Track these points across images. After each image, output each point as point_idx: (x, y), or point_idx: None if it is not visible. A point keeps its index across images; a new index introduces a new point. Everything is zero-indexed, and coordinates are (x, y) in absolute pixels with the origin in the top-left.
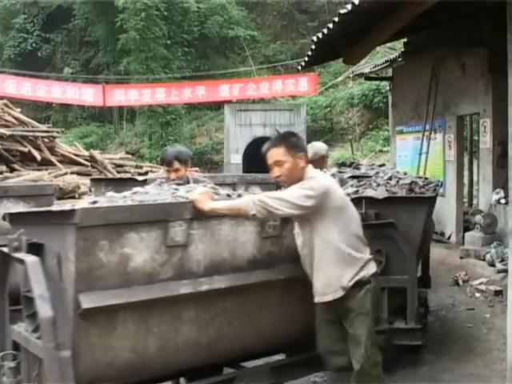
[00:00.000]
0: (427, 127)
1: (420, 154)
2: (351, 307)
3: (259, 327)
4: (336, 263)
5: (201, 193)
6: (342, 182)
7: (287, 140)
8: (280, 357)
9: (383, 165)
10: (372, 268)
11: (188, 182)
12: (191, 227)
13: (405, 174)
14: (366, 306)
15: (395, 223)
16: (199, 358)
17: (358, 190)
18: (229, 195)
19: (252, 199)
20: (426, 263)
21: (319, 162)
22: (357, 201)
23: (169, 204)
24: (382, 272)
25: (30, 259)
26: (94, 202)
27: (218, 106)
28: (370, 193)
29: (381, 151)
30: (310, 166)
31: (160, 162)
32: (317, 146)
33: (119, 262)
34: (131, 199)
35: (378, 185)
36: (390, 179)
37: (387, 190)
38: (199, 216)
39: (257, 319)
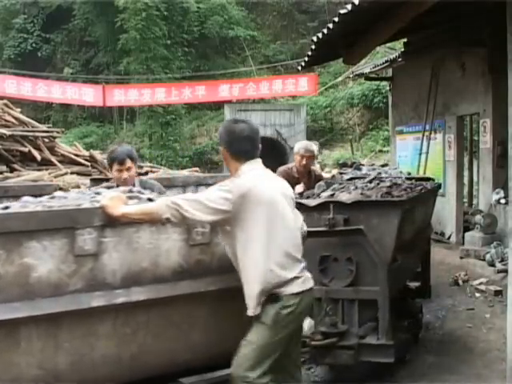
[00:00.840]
0: (427, 127)
1: (420, 154)
2: (256, 315)
3: (191, 342)
4: (254, 278)
5: (111, 197)
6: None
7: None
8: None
9: (386, 165)
10: (296, 287)
11: (134, 185)
12: (103, 235)
13: (409, 174)
14: (269, 318)
15: (364, 230)
16: (122, 373)
17: (333, 194)
18: (150, 199)
19: (166, 202)
20: (425, 271)
21: (302, 160)
22: (323, 206)
23: (75, 210)
24: (352, 282)
25: None
26: (6, 208)
27: (218, 106)
28: (340, 197)
29: (381, 151)
30: (247, 164)
31: (159, 162)
32: (298, 144)
33: (19, 273)
34: (44, 204)
35: (356, 188)
36: (371, 181)
37: (362, 194)
38: (112, 223)
39: (187, 333)
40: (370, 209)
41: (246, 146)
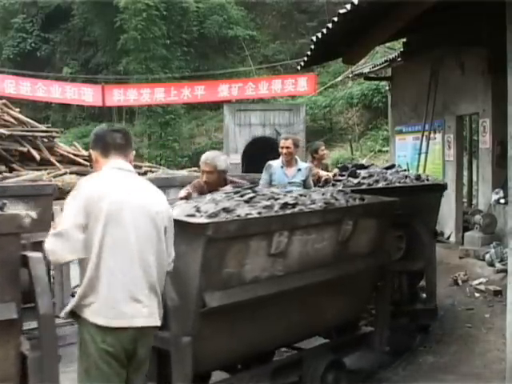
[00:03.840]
0: (427, 127)
1: (419, 154)
2: None
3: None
4: None
5: None
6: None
7: None
8: None
9: (393, 166)
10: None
11: None
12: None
13: (419, 177)
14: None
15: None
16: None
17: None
18: None
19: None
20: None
21: (203, 175)
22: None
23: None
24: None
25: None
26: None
27: (217, 106)
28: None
29: (380, 151)
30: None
31: (158, 162)
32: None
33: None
34: None
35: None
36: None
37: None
38: None
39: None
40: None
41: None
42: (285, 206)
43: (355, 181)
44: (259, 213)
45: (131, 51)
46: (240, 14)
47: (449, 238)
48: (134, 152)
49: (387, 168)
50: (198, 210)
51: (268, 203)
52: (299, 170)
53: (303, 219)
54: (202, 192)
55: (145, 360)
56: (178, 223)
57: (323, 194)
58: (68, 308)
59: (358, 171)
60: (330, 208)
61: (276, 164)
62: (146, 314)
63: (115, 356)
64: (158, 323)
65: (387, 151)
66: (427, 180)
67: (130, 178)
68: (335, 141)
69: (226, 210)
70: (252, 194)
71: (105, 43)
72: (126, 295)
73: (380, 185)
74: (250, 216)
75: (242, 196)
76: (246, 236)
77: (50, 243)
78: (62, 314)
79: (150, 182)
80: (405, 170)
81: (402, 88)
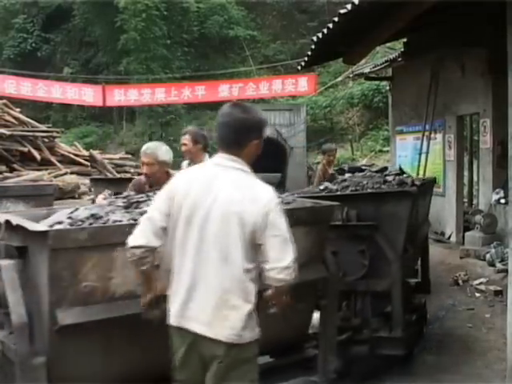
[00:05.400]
0: (427, 127)
1: (420, 154)
2: None
3: None
4: None
5: None
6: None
7: None
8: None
9: (385, 168)
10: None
11: None
12: None
13: (402, 182)
14: None
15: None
16: None
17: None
18: None
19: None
20: (424, 267)
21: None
22: None
23: None
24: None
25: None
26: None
27: (217, 106)
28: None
29: (381, 151)
30: None
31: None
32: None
33: None
34: None
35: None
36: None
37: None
38: None
39: None
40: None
41: None
42: None
43: (334, 187)
44: (134, 220)
45: (132, 51)
46: (240, 14)
47: (449, 237)
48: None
49: (378, 171)
50: (69, 217)
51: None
52: None
53: None
54: (140, 191)
55: (217, 376)
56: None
57: None
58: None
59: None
60: None
61: (184, 164)
62: (204, 322)
63: (183, 357)
64: (221, 337)
65: (388, 151)
66: (419, 185)
67: (225, 174)
68: (336, 141)
69: (94, 216)
70: (137, 199)
71: (105, 43)
72: (187, 297)
73: (348, 191)
74: (109, 224)
75: (129, 201)
76: (106, 246)
77: (136, 229)
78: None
79: (254, 179)
80: (401, 173)
81: (402, 88)
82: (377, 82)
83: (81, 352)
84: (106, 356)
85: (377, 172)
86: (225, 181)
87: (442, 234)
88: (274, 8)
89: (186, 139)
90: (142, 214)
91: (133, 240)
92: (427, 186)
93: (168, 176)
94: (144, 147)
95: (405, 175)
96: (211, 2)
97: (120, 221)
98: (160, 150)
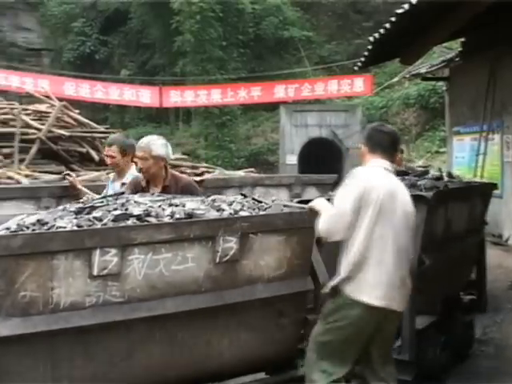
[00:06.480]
0: (485, 127)
1: (477, 155)
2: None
3: None
4: None
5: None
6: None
7: None
8: None
9: (426, 172)
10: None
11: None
12: None
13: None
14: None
15: None
16: None
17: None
18: None
19: None
20: (480, 280)
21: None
22: None
23: None
24: None
25: None
26: None
27: (273, 107)
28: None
29: (437, 152)
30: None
31: (215, 163)
32: None
33: None
34: None
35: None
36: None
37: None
38: None
39: None
40: None
41: None
42: (123, 217)
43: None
44: (79, 226)
45: (187, 53)
46: (296, 14)
47: (507, 240)
48: (400, 154)
49: (417, 175)
50: (18, 224)
51: (98, 214)
52: (123, 184)
53: (142, 234)
54: (136, 188)
55: (389, 339)
56: None
57: (204, 203)
58: (333, 283)
59: None
60: (187, 221)
61: (110, 179)
62: (398, 300)
63: (366, 330)
64: (403, 309)
65: (444, 152)
66: (453, 189)
67: (392, 177)
68: None
69: (40, 222)
70: (93, 204)
71: (162, 45)
72: (387, 281)
73: None
74: (47, 230)
75: (84, 206)
76: (44, 253)
77: (326, 222)
78: (326, 289)
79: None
80: (440, 178)
81: (459, 88)
82: (433, 83)
83: (22, 366)
84: (53, 370)
85: (416, 176)
86: None
87: (500, 236)
88: (329, 8)
89: (111, 150)
90: (90, 220)
91: (327, 234)
92: (475, 191)
93: (166, 172)
94: (139, 142)
95: (452, 179)
96: (266, 3)
97: (64, 227)
98: (154, 144)
